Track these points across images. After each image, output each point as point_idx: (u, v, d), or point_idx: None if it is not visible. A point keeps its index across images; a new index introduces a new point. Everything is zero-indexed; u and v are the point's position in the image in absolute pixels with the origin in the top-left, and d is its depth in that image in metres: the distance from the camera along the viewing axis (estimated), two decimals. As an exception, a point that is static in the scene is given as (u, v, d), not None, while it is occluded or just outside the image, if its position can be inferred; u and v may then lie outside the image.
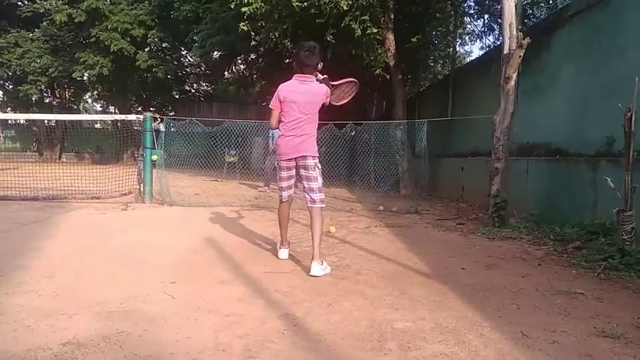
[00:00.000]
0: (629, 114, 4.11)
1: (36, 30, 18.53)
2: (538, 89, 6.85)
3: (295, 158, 3.82)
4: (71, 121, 11.17)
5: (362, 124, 10.29)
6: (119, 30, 16.48)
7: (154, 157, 7.41)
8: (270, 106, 3.93)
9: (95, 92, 23.69)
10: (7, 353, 2.11)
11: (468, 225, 6.29)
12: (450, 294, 3.24)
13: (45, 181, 8.10)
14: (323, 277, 3.58)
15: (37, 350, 2.15)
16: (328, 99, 3.92)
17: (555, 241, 5.03)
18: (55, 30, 17.46)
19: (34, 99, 20.01)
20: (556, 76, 6.45)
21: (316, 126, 3.91)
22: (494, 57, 7.53)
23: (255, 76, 19.88)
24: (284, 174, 3.92)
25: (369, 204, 8.34)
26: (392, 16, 10.26)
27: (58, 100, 22.41)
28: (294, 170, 3.91)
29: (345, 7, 8.53)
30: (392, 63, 10.37)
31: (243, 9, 8.90)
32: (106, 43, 16.49)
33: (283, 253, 4.13)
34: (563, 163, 6.04)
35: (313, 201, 3.82)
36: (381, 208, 7.76)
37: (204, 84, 25.73)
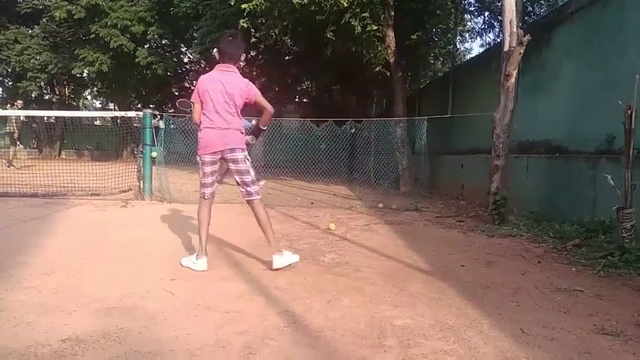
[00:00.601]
0: (629, 111, 4.10)
1: (35, 26, 18.51)
2: (538, 86, 6.84)
3: (222, 151, 3.60)
4: (71, 118, 11.16)
5: (362, 121, 10.28)
6: (119, 26, 16.44)
7: (154, 154, 7.41)
8: (191, 99, 3.74)
9: (95, 89, 23.68)
10: (6, 349, 2.11)
11: (467, 222, 6.29)
12: (449, 291, 3.25)
13: (44, 178, 8.10)
14: (323, 274, 3.58)
15: (36, 346, 2.15)
16: (251, 97, 3.65)
17: (555, 239, 5.03)
18: (55, 26, 17.42)
19: (33, 95, 19.98)
20: (556, 74, 6.44)
21: (242, 120, 3.71)
22: (494, 54, 7.52)
23: (254, 73, 19.85)
24: (208, 169, 3.66)
25: (368, 201, 8.33)
26: (392, 13, 10.23)
27: (57, 97, 22.39)
28: (217, 165, 3.70)
29: (345, 4, 8.50)
30: (392, 60, 10.35)
31: (243, 5, 8.88)
32: (105, 39, 16.45)
33: (202, 263, 3.59)
34: (563, 161, 6.03)
35: (250, 194, 3.66)
36: (381, 205, 7.76)
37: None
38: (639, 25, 4.94)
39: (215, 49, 3.85)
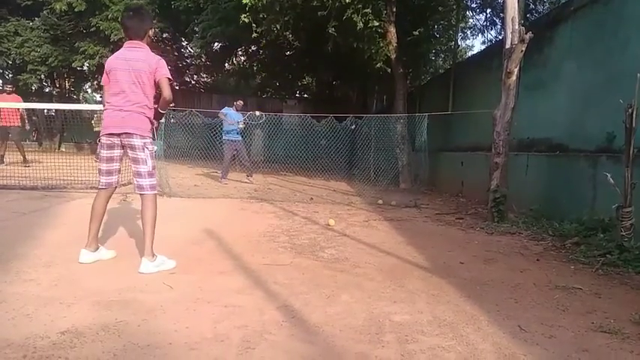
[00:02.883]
0: (630, 110, 4.10)
1: (36, 19, 18.42)
2: (539, 84, 6.83)
3: (119, 135, 3.30)
4: (71, 111, 11.16)
5: (362, 117, 10.27)
6: (119, 20, 16.39)
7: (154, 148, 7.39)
8: (101, 82, 3.46)
9: (95, 82, 23.59)
10: (5, 341, 2.11)
11: (467, 219, 6.30)
12: (448, 287, 3.25)
13: (44, 171, 8.09)
14: (322, 269, 3.58)
15: (35, 339, 2.16)
16: (157, 75, 3.32)
17: (554, 237, 5.04)
18: (55, 19, 17.35)
19: (33, 88, 19.89)
20: (557, 72, 6.43)
21: (149, 101, 3.38)
22: (495, 51, 7.50)
23: (255, 67, 19.82)
24: (104, 153, 3.37)
25: (368, 197, 8.34)
26: (394, 9, 10.20)
27: (57, 90, 22.33)
28: (118, 151, 3.40)
29: (347, 0, 8.48)
30: (393, 56, 10.33)
31: (245, 0, 8.85)
32: (106, 32, 16.38)
33: (85, 255, 3.42)
34: (563, 159, 6.03)
35: (141, 187, 3.36)
36: (381, 201, 7.76)
37: (204, 75, 25.63)
38: (641, 23, 4.93)
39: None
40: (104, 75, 3.40)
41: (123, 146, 3.37)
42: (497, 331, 2.50)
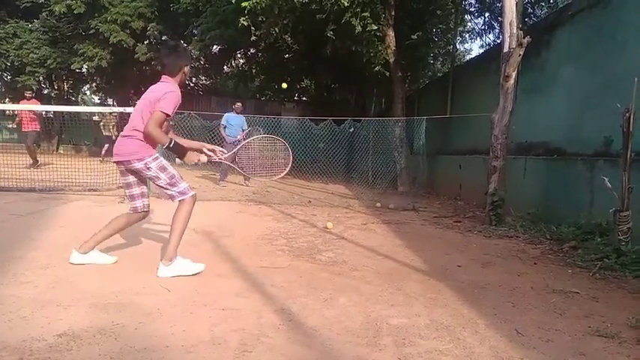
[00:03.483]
0: (627, 114, 4.11)
1: (35, 21, 18.41)
2: (537, 88, 6.85)
3: (122, 162, 3.36)
4: (69, 113, 11.23)
5: (361, 120, 10.28)
6: (118, 22, 16.37)
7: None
8: None
9: (94, 84, 23.60)
10: (2, 344, 2.11)
11: (465, 223, 6.30)
12: (445, 291, 3.25)
13: (42, 173, 8.08)
14: (320, 272, 3.58)
15: (32, 341, 2.15)
16: (158, 106, 3.18)
17: (551, 240, 5.04)
18: (54, 21, 17.33)
19: (32, 90, 19.86)
20: (555, 76, 6.45)
21: (142, 126, 3.25)
22: (494, 55, 7.52)
23: (254, 70, 19.83)
24: (122, 180, 3.50)
25: (366, 200, 8.34)
26: (393, 13, 10.23)
27: (56, 92, 22.31)
28: (132, 177, 3.44)
29: (345, 3, 8.51)
30: (392, 60, 10.35)
31: (244, 3, 8.87)
32: (105, 35, 16.39)
33: (75, 256, 3.43)
34: (560, 163, 6.04)
35: (172, 197, 3.44)
36: (379, 204, 7.76)
37: (203, 78, 25.64)
38: (638, 27, 4.94)
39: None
40: None
41: (132, 171, 3.40)
42: (495, 335, 2.50)
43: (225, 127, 9.78)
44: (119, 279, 3.14)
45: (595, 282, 3.64)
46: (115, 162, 3.40)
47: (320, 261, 3.94)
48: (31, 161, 10.69)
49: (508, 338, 2.47)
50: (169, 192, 3.41)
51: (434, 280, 3.51)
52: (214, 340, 2.27)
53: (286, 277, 3.41)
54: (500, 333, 2.53)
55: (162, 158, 3.42)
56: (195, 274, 3.34)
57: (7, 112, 15.07)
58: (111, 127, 15.35)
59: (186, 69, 3.47)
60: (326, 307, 2.81)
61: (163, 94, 3.23)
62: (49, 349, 2.09)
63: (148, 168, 3.33)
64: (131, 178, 3.44)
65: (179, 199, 3.42)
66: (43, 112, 20.56)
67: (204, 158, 3.54)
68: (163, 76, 3.41)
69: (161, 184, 3.39)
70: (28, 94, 12.37)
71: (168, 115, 3.24)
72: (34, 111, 10.82)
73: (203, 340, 2.27)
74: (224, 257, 3.93)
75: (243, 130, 9.88)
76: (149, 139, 3.27)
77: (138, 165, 3.31)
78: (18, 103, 12.37)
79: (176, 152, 3.37)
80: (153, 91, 3.31)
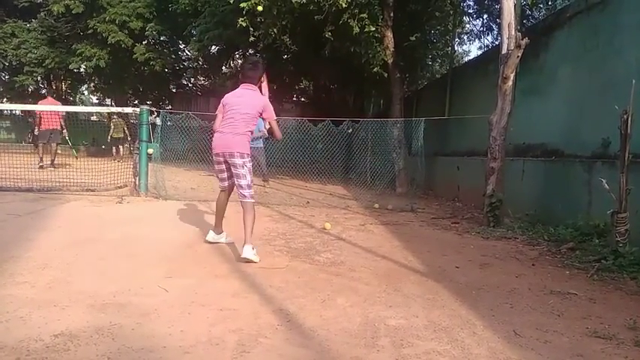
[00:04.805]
0: (625, 116, 4.12)
1: (33, 20, 18.39)
2: (535, 90, 6.86)
3: (223, 153, 4.06)
4: (67, 113, 11.26)
5: (359, 121, 10.27)
6: (117, 22, 16.37)
7: (150, 151, 7.38)
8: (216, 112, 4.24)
9: (92, 84, 23.56)
10: (-2, 344, 2.10)
11: (462, 224, 6.31)
12: (443, 292, 3.26)
13: (40, 173, 8.06)
14: (318, 273, 3.58)
15: (29, 341, 2.15)
16: (266, 113, 4.15)
17: (549, 242, 5.05)
18: (53, 21, 17.32)
19: (30, 90, 19.85)
20: (553, 77, 6.46)
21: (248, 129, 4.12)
22: (492, 57, 7.53)
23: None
24: (216, 166, 4.23)
25: (364, 201, 8.34)
26: (391, 14, 10.23)
27: (54, 92, 22.26)
28: (224, 165, 4.15)
29: (343, 5, 8.50)
30: (390, 61, 10.35)
31: (242, 4, 8.85)
32: (103, 35, 16.38)
33: (210, 235, 4.43)
34: (558, 164, 6.05)
35: (244, 196, 4.05)
36: (377, 205, 7.76)
37: (201, 78, 25.63)
38: (636, 30, 4.96)
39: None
40: (220, 106, 4.19)
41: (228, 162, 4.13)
42: (492, 336, 2.50)
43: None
44: (117, 279, 3.13)
45: (593, 283, 3.65)
46: (220, 152, 4.06)
47: (318, 262, 3.94)
48: (51, 159, 10.89)
49: (506, 339, 2.47)
50: (245, 192, 4.04)
51: (432, 281, 3.51)
52: (212, 341, 2.27)
53: (284, 277, 3.41)
54: (498, 334, 2.53)
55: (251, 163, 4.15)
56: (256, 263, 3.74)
57: (5, 111, 15.09)
58: (125, 128, 15.33)
59: (263, 78, 4.32)
60: (324, 308, 2.81)
61: (266, 105, 4.13)
62: (46, 350, 2.08)
63: (243, 165, 4.02)
64: (224, 166, 4.15)
65: (248, 200, 4.04)
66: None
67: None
68: (247, 84, 4.14)
69: (242, 183, 4.03)
70: (46, 93, 12.63)
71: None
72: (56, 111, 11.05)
73: (201, 340, 2.27)
74: (222, 258, 3.93)
75: (260, 131, 9.87)
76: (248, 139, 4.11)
77: (238, 160, 4.00)
78: (36, 103, 12.59)
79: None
80: (253, 99, 4.10)
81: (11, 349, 2.06)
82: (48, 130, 10.99)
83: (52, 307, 2.57)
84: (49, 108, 10.67)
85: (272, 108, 4.20)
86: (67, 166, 10.23)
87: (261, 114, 4.13)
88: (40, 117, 10.95)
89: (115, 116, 15.76)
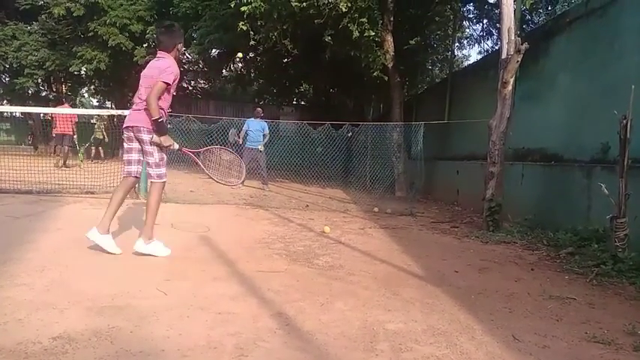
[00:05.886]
0: (624, 121, 4.13)
1: (34, 23, 18.42)
2: (535, 95, 6.88)
3: (129, 127, 3.79)
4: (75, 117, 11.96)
5: (359, 125, 10.29)
6: (117, 25, 16.40)
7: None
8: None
9: (92, 87, 23.60)
10: (-4, 346, 2.10)
11: (462, 228, 6.31)
12: (442, 296, 3.25)
13: (39, 175, 8.05)
14: (317, 277, 3.58)
15: (27, 344, 2.14)
16: (169, 79, 3.68)
17: (549, 247, 5.05)
18: (53, 23, 17.35)
19: (30, 92, 19.86)
20: (553, 82, 6.47)
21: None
22: (492, 61, 7.55)
23: (252, 74, 19.86)
24: (126, 145, 3.90)
25: (364, 205, 8.34)
26: (391, 19, 10.27)
27: (54, 94, 22.29)
28: (136, 144, 3.85)
29: (343, 9, 8.53)
30: (390, 65, 10.38)
31: (243, 8, 8.89)
32: (104, 37, 16.40)
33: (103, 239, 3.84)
34: (558, 169, 6.06)
35: (150, 176, 3.89)
36: (376, 209, 7.77)
37: (201, 81, 25.67)
38: (635, 35, 4.97)
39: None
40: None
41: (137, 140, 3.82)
42: (491, 341, 2.50)
43: (246, 134, 9.96)
44: (115, 282, 3.12)
45: (592, 288, 3.64)
46: (126, 127, 3.79)
47: (317, 265, 3.94)
48: (62, 161, 11.61)
49: (505, 344, 2.46)
50: (152, 171, 3.84)
51: (431, 286, 3.51)
52: (210, 344, 2.26)
53: (283, 281, 3.41)
54: (496, 339, 2.53)
55: None
56: (165, 256, 3.75)
57: (5, 114, 15.14)
58: (103, 129, 15.78)
59: (180, 46, 3.92)
60: (323, 312, 2.81)
61: (166, 68, 3.67)
62: (45, 352, 2.07)
63: (151, 142, 3.75)
64: (134, 145, 3.83)
65: (155, 180, 3.86)
66: (41, 115, 20.60)
67: (176, 146, 3.94)
68: (159, 52, 3.85)
69: (150, 161, 3.81)
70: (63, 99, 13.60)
71: (168, 84, 3.67)
72: (69, 115, 12.03)
73: (199, 344, 2.26)
74: (220, 261, 3.92)
75: (264, 136, 10.08)
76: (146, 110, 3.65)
77: (145, 136, 3.73)
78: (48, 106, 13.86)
79: (159, 128, 3.73)
80: (154, 67, 3.74)
81: (9, 352, 2.06)
82: (61, 134, 11.96)
83: (50, 309, 2.57)
84: (58, 111, 11.54)
85: (173, 73, 3.71)
86: (77, 167, 10.80)
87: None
88: (56, 122, 11.99)
89: (94, 118, 16.28)
